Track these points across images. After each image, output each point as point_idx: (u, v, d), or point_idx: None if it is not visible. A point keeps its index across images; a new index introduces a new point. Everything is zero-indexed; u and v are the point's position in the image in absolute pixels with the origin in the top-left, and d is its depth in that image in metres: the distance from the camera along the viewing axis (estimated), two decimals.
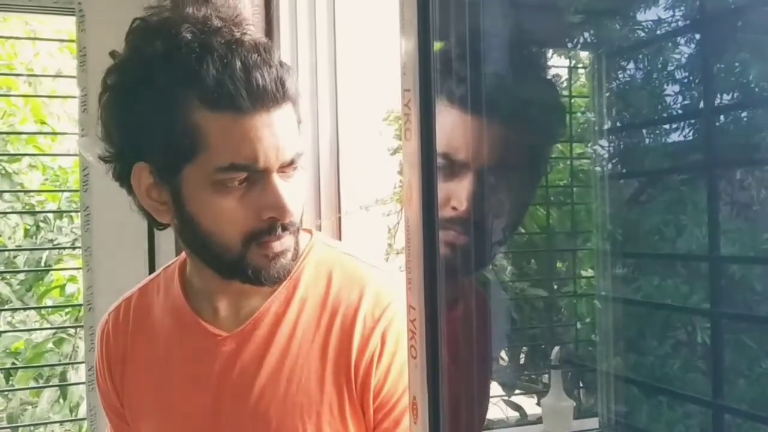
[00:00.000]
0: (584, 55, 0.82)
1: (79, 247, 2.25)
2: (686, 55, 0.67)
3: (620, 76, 0.75)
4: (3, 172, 2.93)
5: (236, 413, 0.97)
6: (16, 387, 2.82)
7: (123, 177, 0.96)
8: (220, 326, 1.01)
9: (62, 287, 2.92)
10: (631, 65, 0.74)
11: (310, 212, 1.42)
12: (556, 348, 0.79)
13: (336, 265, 1.02)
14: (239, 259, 0.93)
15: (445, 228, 0.78)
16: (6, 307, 2.96)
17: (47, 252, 3.09)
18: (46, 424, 2.69)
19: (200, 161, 0.89)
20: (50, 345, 2.81)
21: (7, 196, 3.04)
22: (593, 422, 0.74)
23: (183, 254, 1.07)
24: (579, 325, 0.85)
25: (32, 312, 3.10)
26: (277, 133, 0.90)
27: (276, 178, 0.91)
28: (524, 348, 0.92)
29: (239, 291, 0.99)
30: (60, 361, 2.83)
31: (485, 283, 0.80)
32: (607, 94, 0.74)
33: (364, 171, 1.46)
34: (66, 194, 3.13)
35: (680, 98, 0.67)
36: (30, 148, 3.07)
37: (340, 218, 1.42)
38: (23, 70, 3.24)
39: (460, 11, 0.66)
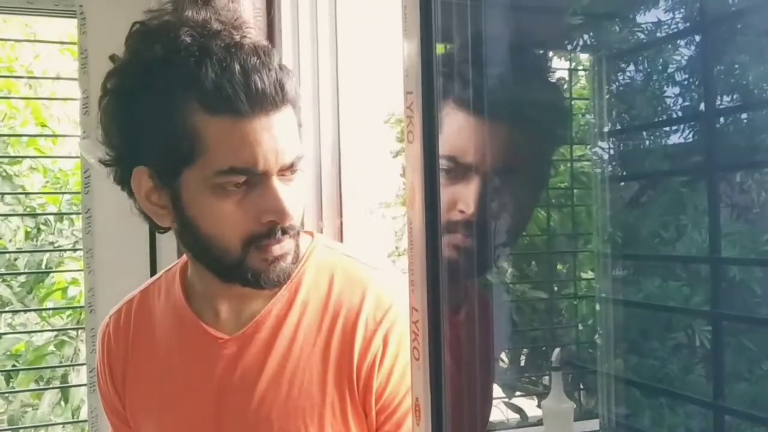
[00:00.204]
0: (584, 57, 0.82)
1: (80, 249, 2.25)
2: (686, 58, 0.67)
3: (620, 78, 0.75)
4: (4, 174, 2.94)
5: (238, 416, 0.97)
6: (17, 389, 2.82)
7: (124, 180, 0.96)
8: (222, 329, 1.01)
9: (64, 290, 2.92)
10: (631, 67, 0.74)
11: (312, 215, 1.42)
12: (557, 350, 0.79)
13: (337, 267, 1.02)
14: (239, 262, 0.93)
15: (452, 231, 0.78)
16: (7, 308, 2.96)
17: (48, 255, 3.09)
18: (47, 426, 2.69)
19: (199, 165, 0.89)
20: (51, 348, 2.81)
21: (8, 198, 3.04)
22: (594, 424, 0.74)
23: (184, 257, 1.07)
24: (579, 327, 0.85)
25: (33, 314, 3.10)
26: (277, 136, 0.90)
27: (276, 181, 0.91)
28: (525, 350, 0.92)
29: (240, 294, 0.99)
30: (61, 363, 2.83)
31: (488, 285, 0.80)
32: (608, 97, 0.75)
33: (366, 173, 1.46)
34: (66, 197, 3.13)
35: (680, 100, 0.67)
36: (31, 151, 3.07)
37: (341, 224, 1.42)
38: (24, 73, 3.24)
39: (464, 14, 0.66)
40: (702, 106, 0.67)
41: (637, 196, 0.76)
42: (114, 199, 1.04)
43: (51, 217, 3.11)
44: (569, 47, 0.80)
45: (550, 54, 0.81)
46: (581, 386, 0.82)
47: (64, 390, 2.67)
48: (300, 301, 0.99)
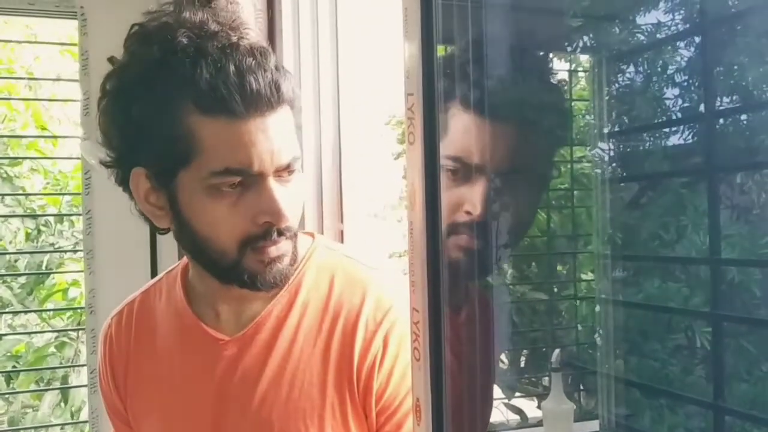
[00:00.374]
0: (584, 58, 0.83)
1: (80, 250, 2.25)
2: (686, 59, 0.67)
3: (620, 79, 0.75)
4: (4, 176, 2.94)
5: (238, 417, 0.97)
6: (18, 390, 2.82)
7: (124, 182, 0.97)
8: (222, 330, 1.01)
9: (64, 291, 2.92)
10: (631, 69, 0.74)
11: (313, 217, 1.42)
12: (557, 351, 0.79)
13: (338, 268, 1.02)
14: (235, 264, 0.93)
15: (458, 232, 0.78)
16: (7, 310, 2.96)
17: (48, 256, 3.09)
18: (47, 427, 2.69)
19: (195, 166, 0.89)
20: (52, 349, 2.81)
21: (8, 200, 3.04)
22: (594, 425, 0.74)
23: (185, 258, 1.07)
24: (579, 328, 0.85)
25: (33, 316, 3.10)
26: (272, 137, 0.90)
27: (272, 182, 0.91)
28: (525, 351, 0.92)
29: (241, 295, 0.99)
30: (61, 365, 2.83)
31: (491, 286, 0.81)
32: (608, 98, 0.75)
33: (367, 175, 1.47)
34: (66, 199, 3.13)
35: (680, 101, 0.67)
36: (31, 154, 3.07)
37: (342, 226, 1.42)
38: (24, 75, 3.24)
39: (467, 16, 0.66)
40: (702, 108, 0.67)
41: (637, 198, 0.76)
42: (115, 201, 1.04)
43: (51, 219, 3.11)
44: (569, 48, 0.80)
45: (552, 55, 0.81)
46: (581, 387, 0.82)
47: (65, 391, 2.67)
48: (300, 302, 0.99)
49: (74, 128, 2.90)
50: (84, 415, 2.46)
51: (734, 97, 0.62)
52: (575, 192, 0.83)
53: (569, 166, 0.82)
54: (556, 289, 0.89)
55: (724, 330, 0.63)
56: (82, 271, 2.04)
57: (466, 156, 0.79)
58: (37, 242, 3.11)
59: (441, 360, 0.57)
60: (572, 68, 0.83)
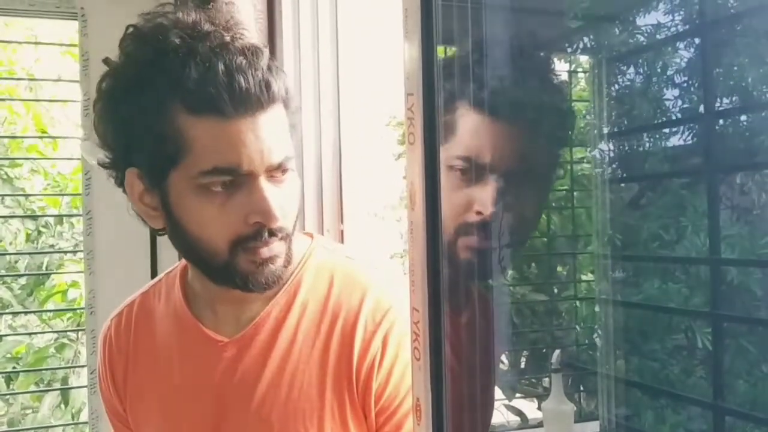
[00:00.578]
0: (584, 59, 0.83)
1: (80, 251, 2.25)
2: (685, 60, 0.67)
3: (620, 80, 0.75)
4: (4, 177, 2.94)
5: (238, 419, 0.97)
6: (18, 390, 2.82)
7: (121, 182, 0.97)
8: (221, 332, 1.01)
9: (64, 293, 2.92)
10: (631, 70, 0.74)
11: (313, 217, 1.42)
12: (557, 351, 0.79)
13: (337, 268, 1.02)
14: (226, 264, 0.92)
15: (469, 233, 0.78)
16: (7, 310, 2.96)
17: (48, 258, 3.09)
18: (47, 428, 2.69)
19: (185, 165, 0.89)
20: (52, 350, 2.81)
21: (8, 201, 3.04)
22: (594, 426, 0.74)
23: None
24: (579, 329, 0.85)
25: (33, 318, 3.10)
26: (262, 136, 0.89)
27: (263, 182, 0.90)
28: (525, 352, 0.92)
29: (239, 296, 0.98)
30: (61, 366, 2.83)
31: (494, 287, 0.81)
32: (608, 99, 0.75)
33: (367, 175, 1.47)
34: (66, 201, 3.13)
35: (680, 102, 0.67)
36: (32, 156, 3.07)
37: (342, 231, 1.42)
38: (25, 77, 3.25)
39: (471, 16, 0.66)
40: (702, 108, 0.67)
41: (637, 198, 0.76)
42: (115, 201, 1.04)
43: (51, 221, 3.12)
44: (570, 49, 0.80)
45: (553, 55, 0.81)
46: (581, 388, 0.82)
47: (65, 393, 2.67)
48: (299, 303, 0.99)
49: (75, 129, 2.90)
50: (84, 416, 2.46)
51: (734, 98, 0.63)
52: (575, 193, 0.83)
53: (569, 166, 0.82)
54: (556, 290, 0.89)
55: (724, 330, 0.63)
56: (82, 272, 2.04)
57: (475, 155, 0.79)
58: (37, 243, 3.11)
59: (441, 360, 0.58)
60: (572, 69, 0.83)
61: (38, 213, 3.14)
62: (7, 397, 2.87)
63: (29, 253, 3.04)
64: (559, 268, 0.90)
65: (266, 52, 0.93)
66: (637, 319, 0.74)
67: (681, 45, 0.68)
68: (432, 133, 0.58)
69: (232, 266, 0.92)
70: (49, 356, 2.78)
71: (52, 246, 3.11)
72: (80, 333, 2.82)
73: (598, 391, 0.73)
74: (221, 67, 0.87)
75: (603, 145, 0.76)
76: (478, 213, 0.78)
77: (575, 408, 0.77)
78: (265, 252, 0.92)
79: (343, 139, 1.45)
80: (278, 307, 0.99)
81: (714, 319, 0.63)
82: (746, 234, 0.62)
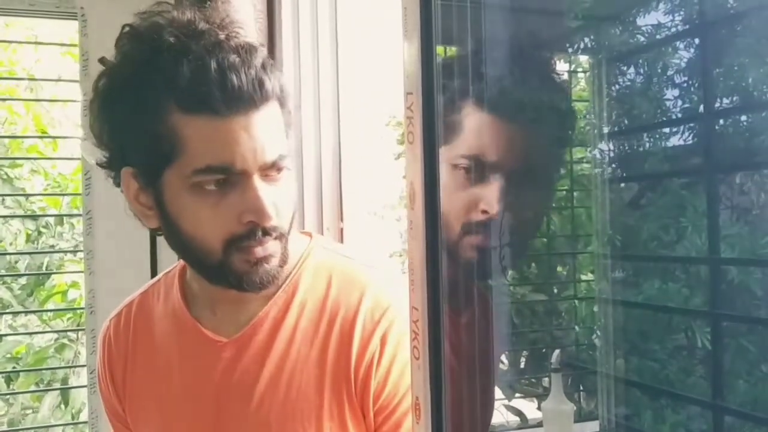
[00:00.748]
0: (584, 59, 0.83)
1: (80, 251, 2.24)
2: (685, 60, 0.67)
3: (620, 80, 0.75)
4: (5, 177, 2.94)
5: (237, 419, 0.97)
6: (18, 390, 2.82)
7: (119, 182, 0.97)
8: (220, 332, 1.01)
9: (64, 293, 2.92)
10: (632, 70, 0.74)
11: (313, 216, 1.42)
12: (557, 351, 0.79)
13: (335, 268, 1.02)
14: (220, 264, 0.92)
15: (475, 232, 0.78)
16: (8, 310, 2.96)
17: (48, 259, 3.09)
18: (47, 427, 2.69)
19: (179, 165, 0.89)
20: (51, 351, 2.81)
21: (8, 202, 3.04)
22: (594, 426, 0.74)
23: None
24: (579, 329, 0.85)
25: (33, 318, 3.10)
26: (256, 135, 0.89)
27: (257, 180, 0.90)
28: (525, 351, 0.92)
29: (237, 296, 0.98)
30: (61, 365, 2.83)
31: (495, 286, 0.81)
32: (608, 99, 0.75)
33: (367, 175, 1.47)
34: (66, 201, 3.13)
35: (680, 102, 0.67)
36: (32, 157, 3.08)
37: (342, 230, 1.42)
38: (25, 76, 3.25)
39: (472, 16, 0.66)
40: (701, 108, 0.67)
41: (636, 198, 0.76)
42: (115, 201, 1.04)
43: (51, 221, 3.12)
44: (570, 49, 0.80)
45: (554, 55, 0.81)
46: (581, 388, 0.82)
47: (65, 393, 2.67)
48: (297, 302, 0.99)
49: (75, 129, 2.90)
50: (84, 416, 2.46)
51: (734, 98, 0.63)
52: (575, 193, 0.83)
53: (569, 166, 0.82)
54: (556, 290, 0.89)
55: (723, 330, 0.63)
56: (82, 272, 2.04)
57: (481, 154, 0.79)
58: (37, 244, 3.12)
59: (440, 359, 0.58)
60: (572, 69, 0.83)
61: (38, 213, 3.14)
62: (7, 397, 2.87)
63: (29, 253, 3.04)
64: (559, 268, 0.90)
65: (261, 50, 0.93)
66: (636, 318, 0.74)
67: (681, 45, 0.68)
68: (431, 132, 0.58)
69: (226, 265, 0.92)
70: (49, 357, 2.78)
71: (52, 246, 3.12)
72: (80, 333, 2.82)
73: (597, 390, 0.73)
74: (214, 65, 0.87)
75: (603, 145, 0.76)
76: (484, 212, 0.78)
77: (575, 408, 0.76)
78: (259, 251, 0.92)
79: (343, 138, 1.45)
80: (276, 307, 0.99)
81: (714, 318, 0.63)
82: (746, 234, 0.62)
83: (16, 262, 3.04)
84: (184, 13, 0.92)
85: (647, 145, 0.74)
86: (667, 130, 0.70)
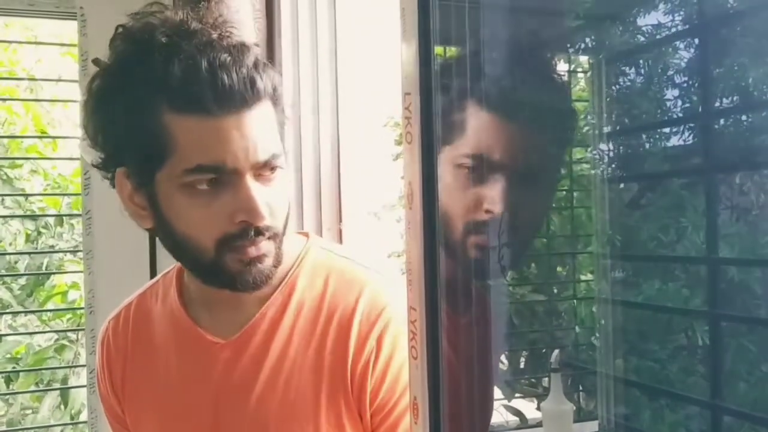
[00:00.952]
0: (584, 59, 0.83)
1: (80, 251, 2.24)
2: (685, 60, 0.67)
3: (620, 80, 0.75)
4: (4, 177, 2.94)
5: (235, 420, 0.97)
6: (17, 391, 2.82)
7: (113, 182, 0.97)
8: (218, 333, 1.00)
9: (64, 294, 2.92)
10: (632, 70, 0.74)
11: (312, 216, 1.42)
12: (556, 351, 0.79)
13: (332, 268, 1.01)
14: (214, 263, 0.92)
15: (478, 232, 0.78)
16: (7, 310, 2.96)
17: (48, 259, 3.09)
18: (47, 428, 2.69)
19: (170, 164, 0.89)
20: (51, 352, 2.81)
21: (8, 202, 3.04)
22: (593, 426, 0.74)
23: None
24: (579, 329, 0.85)
25: (33, 318, 3.10)
26: (248, 134, 0.88)
27: (249, 180, 0.89)
28: (524, 351, 0.92)
29: (235, 297, 0.98)
30: (61, 366, 2.83)
31: (495, 286, 0.81)
32: (607, 99, 0.75)
33: (366, 174, 1.47)
34: (66, 202, 3.13)
35: (680, 102, 0.67)
36: (31, 157, 3.08)
37: (341, 230, 1.42)
38: (25, 77, 3.25)
39: (470, 16, 0.66)
40: (701, 108, 0.67)
41: (636, 198, 0.76)
42: (114, 201, 1.03)
43: (51, 221, 3.12)
44: (570, 49, 0.80)
45: (555, 55, 0.81)
46: (581, 388, 0.82)
47: (64, 393, 2.67)
48: (294, 303, 0.99)
49: (75, 129, 2.90)
50: (83, 417, 2.46)
51: (734, 98, 0.62)
52: (575, 193, 0.83)
53: (569, 166, 0.82)
54: (556, 290, 0.89)
55: (723, 329, 0.63)
56: (81, 272, 2.04)
57: (484, 153, 0.79)
58: (37, 244, 3.12)
59: (438, 358, 0.57)
60: (572, 69, 0.83)
61: (38, 213, 3.14)
62: (7, 397, 2.87)
63: (29, 254, 3.04)
64: (558, 268, 0.90)
65: (255, 49, 0.92)
66: (636, 318, 0.73)
67: (681, 45, 0.68)
68: (429, 132, 0.58)
69: (219, 265, 0.91)
70: (49, 357, 2.78)
71: (51, 247, 3.12)
72: (80, 333, 2.82)
73: (597, 390, 0.73)
74: (205, 64, 0.86)
75: (603, 145, 0.76)
76: (488, 211, 0.78)
77: (574, 408, 0.76)
78: (252, 251, 0.91)
79: (342, 138, 1.45)
80: (274, 307, 0.99)
81: (713, 318, 0.63)
82: (746, 234, 0.62)
83: (15, 262, 3.04)
84: (177, 14, 0.92)
85: (647, 145, 0.74)
86: (667, 130, 0.70)
